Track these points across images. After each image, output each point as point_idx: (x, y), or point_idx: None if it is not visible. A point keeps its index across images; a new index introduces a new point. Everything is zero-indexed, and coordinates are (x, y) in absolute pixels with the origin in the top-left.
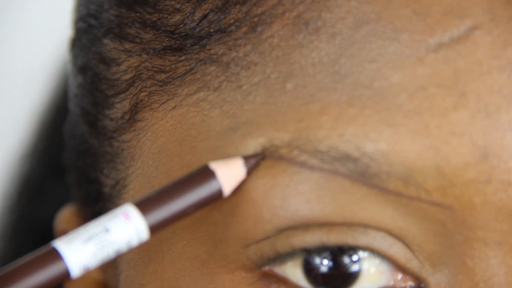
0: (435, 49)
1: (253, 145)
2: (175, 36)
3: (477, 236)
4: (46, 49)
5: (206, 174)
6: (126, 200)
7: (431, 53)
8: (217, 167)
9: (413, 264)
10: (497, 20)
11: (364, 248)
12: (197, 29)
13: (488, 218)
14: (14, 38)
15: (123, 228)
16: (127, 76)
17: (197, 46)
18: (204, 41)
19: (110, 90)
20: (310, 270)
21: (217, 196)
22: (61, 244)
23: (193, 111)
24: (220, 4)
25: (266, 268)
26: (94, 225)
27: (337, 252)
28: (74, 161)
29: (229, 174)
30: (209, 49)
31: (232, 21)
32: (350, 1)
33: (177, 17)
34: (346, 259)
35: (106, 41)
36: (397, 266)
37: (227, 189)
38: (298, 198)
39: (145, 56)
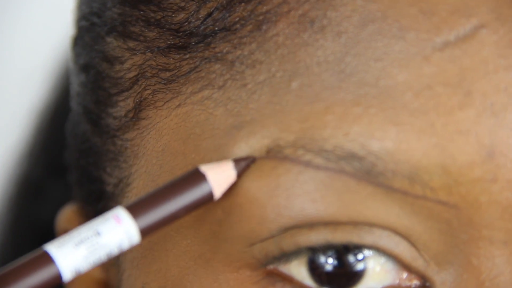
0: (441, 48)
1: (258, 145)
2: (180, 34)
3: (483, 235)
4: (45, 48)
5: (196, 177)
6: (129, 198)
7: (437, 51)
8: (207, 170)
9: (418, 263)
10: (503, 19)
11: (370, 247)
12: (202, 27)
13: (493, 217)
14: (13, 38)
15: (114, 232)
16: (131, 74)
17: (202, 44)
18: (209, 39)
19: (114, 89)
20: (314, 269)
21: (208, 199)
22: (52, 248)
23: (198, 109)
24: (225, 2)
25: (271, 266)
26: (86, 229)
27: (342, 251)
28: (75, 160)
29: (219, 177)
30: (214, 47)
31: (237, 19)
32: None
33: (182, 15)
34: (351, 258)
35: (109, 39)
36: (403, 265)
37: (217, 192)
38: (303, 197)
39: (149, 54)
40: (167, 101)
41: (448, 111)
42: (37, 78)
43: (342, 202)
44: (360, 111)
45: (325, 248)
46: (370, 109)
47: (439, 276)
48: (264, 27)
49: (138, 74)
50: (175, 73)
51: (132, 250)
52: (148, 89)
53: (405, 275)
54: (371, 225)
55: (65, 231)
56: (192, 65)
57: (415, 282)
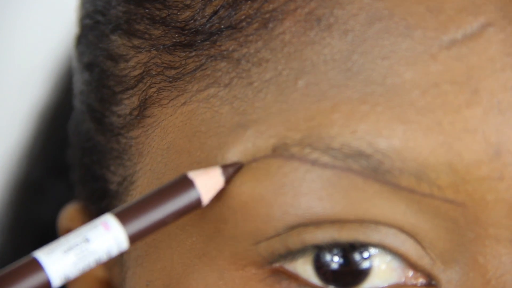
0: (448, 46)
1: (264, 144)
2: (185, 32)
3: (489, 233)
4: (45, 48)
5: (185, 183)
6: (133, 196)
7: (444, 50)
8: (195, 176)
9: (424, 261)
10: (510, 17)
11: (376, 245)
12: (208, 25)
13: (500, 215)
14: (12, 38)
15: (103, 238)
16: (136, 72)
17: (208, 42)
18: (215, 37)
19: (118, 87)
20: (320, 267)
21: (196, 205)
22: (41, 255)
23: (203, 107)
24: (231, 0)
25: (277, 264)
26: (75, 235)
27: (348, 249)
28: (79, 159)
29: (207, 183)
30: (220, 45)
31: (243, 17)
32: None
33: (187, 13)
34: (357, 256)
35: (114, 37)
36: (409, 263)
37: (205, 198)
38: (310, 196)
39: (154, 52)
40: (173, 99)
41: (455, 109)
42: (37, 78)
43: (349, 200)
44: (367, 109)
45: (331, 246)
46: (377, 107)
47: (445, 274)
48: (270, 25)
49: (143, 72)
50: (181, 71)
51: (136, 248)
52: (153, 87)
53: (411, 273)
54: (377, 223)
55: (68, 230)
56: (198, 63)
57: (421, 280)
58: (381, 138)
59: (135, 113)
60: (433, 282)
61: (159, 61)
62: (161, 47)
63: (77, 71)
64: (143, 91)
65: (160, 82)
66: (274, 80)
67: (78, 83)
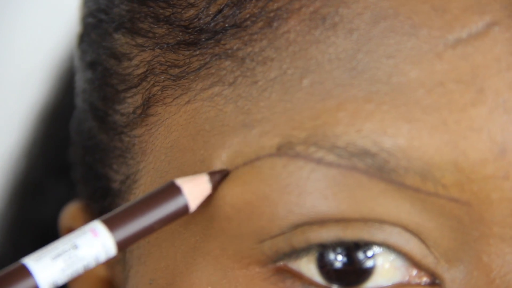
0: (453, 45)
1: (269, 144)
2: (189, 30)
3: (494, 232)
4: (44, 48)
5: (172, 190)
6: (136, 195)
7: (450, 49)
8: (183, 183)
9: (428, 260)
10: None
11: (380, 244)
12: (212, 24)
13: (505, 214)
14: (11, 39)
15: (92, 245)
16: (139, 71)
17: (212, 41)
18: (219, 36)
19: (121, 85)
20: (324, 266)
21: (183, 212)
22: (30, 261)
23: (207, 106)
24: None
25: (281, 263)
26: (63, 242)
27: (352, 248)
28: (81, 157)
29: (195, 190)
30: (224, 44)
31: (247, 16)
32: None
33: (191, 11)
34: (360, 255)
35: (117, 36)
36: (413, 262)
37: (193, 205)
38: (315, 195)
39: (158, 50)
40: (176, 97)
41: (461, 108)
42: (37, 78)
43: (354, 199)
44: (372, 108)
45: (336, 245)
46: (383, 105)
47: (449, 273)
48: (275, 24)
49: (147, 70)
50: (185, 69)
51: (139, 246)
52: (157, 86)
53: (414, 272)
54: (382, 222)
55: (69, 228)
56: (202, 62)
57: (425, 279)
58: (387, 137)
59: (139, 111)
60: (437, 281)
61: (163, 59)
62: (165, 46)
63: (80, 69)
64: (147, 89)
65: (164, 81)
66: (278, 79)
67: (80, 82)
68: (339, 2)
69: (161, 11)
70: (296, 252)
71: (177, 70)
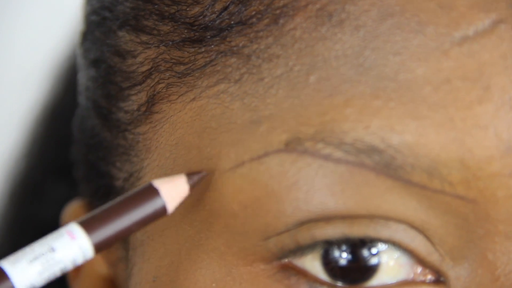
0: (459, 42)
1: (277, 140)
2: (195, 28)
3: (499, 230)
4: (43, 48)
5: (150, 192)
6: None
7: (456, 46)
8: (160, 184)
9: (433, 257)
10: None
11: (386, 241)
12: (217, 21)
13: (510, 212)
14: (11, 38)
15: (69, 247)
16: (144, 68)
17: (218, 38)
18: (225, 33)
19: (126, 83)
20: (328, 263)
21: (161, 213)
22: (7, 264)
23: (213, 103)
24: None
25: (286, 260)
26: (40, 245)
27: (358, 245)
28: (83, 155)
29: (172, 191)
30: (230, 41)
31: (253, 13)
32: None
33: (197, 8)
34: (365, 252)
35: (121, 33)
36: (418, 259)
37: (170, 206)
38: (323, 191)
39: (163, 48)
40: (182, 94)
41: (467, 105)
42: (37, 77)
43: (361, 196)
44: (379, 104)
45: (341, 242)
46: (390, 102)
47: (453, 271)
48: (281, 21)
49: (152, 67)
50: (190, 66)
51: (143, 244)
52: (162, 83)
53: (419, 269)
54: (388, 218)
55: None
56: (208, 59)
57: (430, 277)
58: (394, 134)
59: (143, 109)
60: (442, 279)
61: (168, 57)
62: (170, 43)
63: (83, 67)
64: (151, 86)
65: (169, 78)
66: (285, 75)
67: (84, 80)
68: None
69: (166, 8)
70: (301, 249)
71: (182, 67)
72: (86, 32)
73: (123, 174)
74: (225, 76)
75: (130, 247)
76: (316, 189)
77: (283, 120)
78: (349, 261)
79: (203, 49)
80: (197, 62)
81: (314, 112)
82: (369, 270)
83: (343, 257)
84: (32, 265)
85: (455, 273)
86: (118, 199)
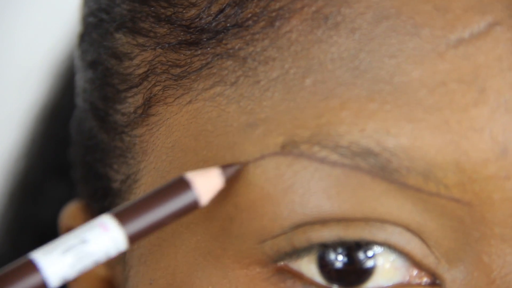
0: (455, 44)
1: (273, 143)
2: (191, 30)
3: (495, 233)
4: (43, 48)
5: (183, 184)
6: (137, 194)
7: (451, 48)
8: (194, 177)
9: (429, 260)
10: None
11: (381, 244)
12: (214, 24)
13: (506, 214)
14: (10, 38)
15: (101, 239)
16: (140, 71)
17: (214, 41)
18: (221, 36)
19: (122, 85)
20: (324, 266)
21: (194, 206)
22: (39, 256)
23: (209, 106)
24: None
25: (281, 263)
26: (72, 236)
27: (353, 248)
28: (81, 157)
29: (206, 184)
30: (226, 44)
31: (249, 15)
32: None
33: (193, 11)
34: (361, 255)
35: (118, 35)
36: (413, 262)
37: (204, 199)
38: (319, 194)
39: (159, 50)
40: (178, 97)
41: (463, 108)
42: (36, 77)
43: (356, 199)
44: (375, 107)
45: (337, 245)
46: (385, 105)
47: (449, 273)
48: (277, 23)
49: (148, 70)
50: (186, 69)
51: (140, 246)
52: (158, 85)
53: (415, 272)
54: (383, 221)
55: (69, 228)
56: (204, 61)
57: (425, 279)
58: (389, 137)
59: (140, 111)
60: (438, 281)
61: (164, 59)
62: (166, 45)
63: (80, 69)
64: (148, 89)
65: (165, 80)
66: (281, 78)
67: (81, 81)
68: (341, 2)
69: (162, 10)
70: (297, 252)
71: (178, 70)
72: (83, 33)
73: (120, 176)
74: (221, 78)
75: (127, 250)
76: (312, 192)
77: (279, 123)
78: (345, 264)
79: (199, 52)
80: (193, 65)
81: (310, 115)
82: (365, 273)
83: (339, 260)
84: (64, 257)
85: (451, 275)
86: (151, 191)
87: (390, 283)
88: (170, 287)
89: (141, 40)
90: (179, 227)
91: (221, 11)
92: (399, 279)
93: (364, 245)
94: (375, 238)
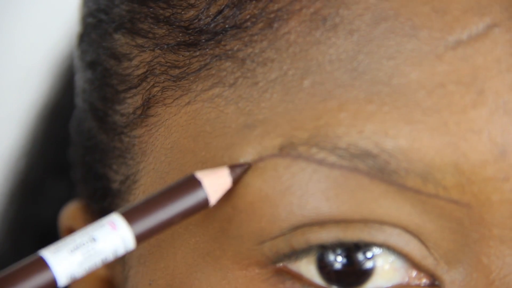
0: (453, 46)
1: (271, 144)
2: (190, 31)
3: (494, 234)
4: (43, 47)
5: (192, 183)
6: (136, 195)
7: (450, 50)
8: (203, 176)
9: (428, 261)
10: None
11: (380, 245)
12: (212, 25)
13: (505, 215)
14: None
15: (110, 238)
16: (139, 71)
17: (212, 42)
18: (219, 37)
19: (121, 85)
20: (323, 267)
21: (203, 205)
22: (48, 253)
23: (208, 107)
24: (235, 0)
25: (280, 264)
26: (81, 234)
27: (352, 249)
28: (80, 157)
29: (215, 183)
30: (225, 45)
31: (248, 17)
32: None
33: (191, 12)
34: (360, 256)
35: (117, 36)
36: (413, 263)
37: (213, 199)
38: (317, 196)
39: (158, 51)
40: (177, 98)
41: (461, 109)
42: (36, 77)
43: (355, 200)
44: (373, 109)
45: (336, 246)
46: (384, 107)
47: (448, 275)
48: (275, 25)
49: (147, 71)
50: (185, 70)
51: (139, 247)
52: (157, 86)
53: (414, 273)
54: (382, 223)
55: (69, 228)
56: (202, 63)
57: (424, 280)
58: (388, 138)
59: (139, 112)
60: (437, 283)
61: (163, 60)
62: (165, 46)
63: (79, 69)
64: (147, 90)
65: (164, 81)
66: (279, 80)
67: (80, 82)
68: (340, 3)
69: (161, 11)
70: (296, 253)
71: (177, 71)
72: (82, 34)
73: (119, 176)
74: (220, 80)
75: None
76: (310, 194)
77: (277, 124)
78: (344, 265)
79: (198, 53)
80: (192, 66)
81: (308, 117)
82: (364, 274)
83: (338, 261)
84: (73, 255)
85: (450, 277)
86: (160, 189)
87: (389, 284)
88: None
89: (140, 41)
90: (178, 228)
91: (220, 12)
92: (398, 280)
93: (363, 246)
94: (374, 239)
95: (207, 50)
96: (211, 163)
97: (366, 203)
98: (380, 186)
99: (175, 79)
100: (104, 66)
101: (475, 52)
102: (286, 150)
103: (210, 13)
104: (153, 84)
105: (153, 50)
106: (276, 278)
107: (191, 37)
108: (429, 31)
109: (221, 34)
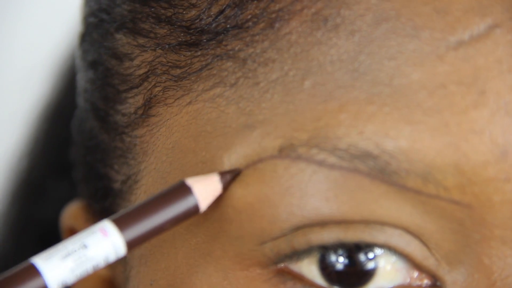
0: (455, 47)
1: (271, 145)
2: (191, 31)
3: (495, 235)
4: (45, 47)
5: (182, 190)
6: (138, 195)
7: (451, 51)
8: (193, 183)
9: (429, 262)
10: None
11: (381, 246)
12: (214, 25)
13: (506, 216)
14: (12, 38)
15: (101, 244)
16: (141, 71)
17: (214, 42)
18: (221, 37)
19: (123, 85)
20: (325, 268)
21: (194, 212)
22: (39, 260)
23: (209, 107)
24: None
25: (282, 265)
26: (73, 241)
27: (354, 250)
28: (82, 157)
29: (205, 190)
30: (226, 45)
31: (249, 17)
32: None
33: (193, 12)
34: (362, 257)
35: (118, 36)
36: (414, 264)
37: (203, 205)
38: (317, 197)
39: (159, 51)
40: (178, 98)
41: (462, 110)
42: (38, 77)
43: (355, 201)
44: (374, 110)
45: (337, 247)
46: (384, 107)
47: (450, 275)
48: (277, 25)
49: (148, 71)
50: (186, 70)
51: (141, 247)
52: (158, 86)
53: (416, 274)
54: (383, 224)
55: (70, 228)
56: (204, 63)
57: (426, 281)
58: (388, 139)
59: (140, 112)
60: (438, 283)
61: (164, 60)
62: (167, 46)
63: (81, 69)
64: (148, 90)
65: (165, 81)
66: (280, 80)
67: (82, 81)
68: (341, 4)
69: (162, 11)
70: (297, 254)
71: (178, 71)
72: (84, 33)
73: (121, 176)
74: (221, 80)
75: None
76: (310, 195)
77: (277, 125)
78: (346, 266)
79: (199, 53)
80: (193, 66)
81: (308, 118)
82: (366, 275)
83: (340, 261)
84: (64, 261)
85: (452, 277)
86: (151, 196)
87: (391, 285)
88: None
89: (141, 40)
90: (179, 228)
91: (221, 12)
92: (400, 281)
93: (364, 247)
94: (375, 240)
95: (208, 50)
96: (211, 163)
97: (367, 204)
98: (380, 187)
99: (176, 79)
100: (106, 66)
101: (476, 53)
102: (286, 152)
103: (212, 13)
104: (155, 84)
105: (155, 50)
106: (277, 279)
107: (193, 37)
108: (430, 32)
109: (223, 34)
